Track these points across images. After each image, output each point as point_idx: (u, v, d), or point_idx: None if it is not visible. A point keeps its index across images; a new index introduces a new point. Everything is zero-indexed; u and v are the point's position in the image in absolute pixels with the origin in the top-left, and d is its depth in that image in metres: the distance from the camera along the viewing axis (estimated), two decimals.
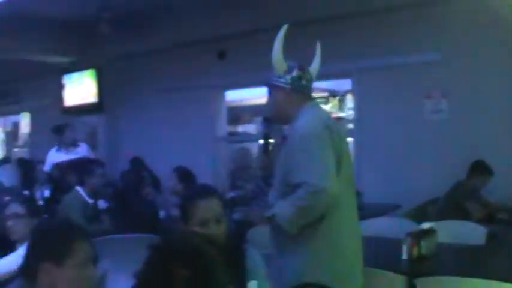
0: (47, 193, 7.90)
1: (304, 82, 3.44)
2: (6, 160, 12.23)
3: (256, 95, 9.66)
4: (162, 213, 6.22)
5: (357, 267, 3.33)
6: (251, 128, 10.58)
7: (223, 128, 9.68)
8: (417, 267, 3.82)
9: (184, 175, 6.30)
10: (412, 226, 4.85)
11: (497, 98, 6.85)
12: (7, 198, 6.39)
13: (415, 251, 3.94)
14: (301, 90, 3.43)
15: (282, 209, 3.17)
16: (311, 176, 3.06)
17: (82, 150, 8.51)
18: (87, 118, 10.98)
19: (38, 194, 8.00)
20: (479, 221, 5.43)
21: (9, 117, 15.41)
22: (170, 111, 9.65)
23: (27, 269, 2.21)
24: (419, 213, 6.49)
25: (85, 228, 4.65)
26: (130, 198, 5.76)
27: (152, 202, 6.18)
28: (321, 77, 8.17)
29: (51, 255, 2.17)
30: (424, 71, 7.17)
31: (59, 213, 5.96)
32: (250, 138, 9.97)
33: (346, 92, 10.10)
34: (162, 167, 7.85)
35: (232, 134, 10.15)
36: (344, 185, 3.20)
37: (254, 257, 2.90)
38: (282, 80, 3.43)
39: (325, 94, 10.76)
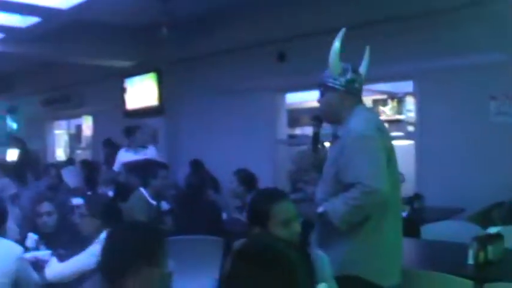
0: (110, 194, 8.05)
1: (356, 85, 3.56)
2: (69, 162, 12.51)
3: (316, 98, 9.63)
4: (223, 215, 6.27)
5: (396, 265, 3.43)
6: (310, 131, 10.54)
7: (284, 130, 9.68)
8: (484, 273, 3.76)
9: (246, 178, 6.34)
10: (476, 230, 4.78)
11: None
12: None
13: (481, 256, 3.88)
14: (353, 93, 3.55)
15: (334, 206, 3.29)
16: (365, 177, 3.19)
17: (150, 153, 8.63)
18: (148, 121, 11.13)
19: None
20: None
21: (72, 120, 15.76)
22: (230, 114, 9.70)
23: (113, 270, 2.23)
24: (484, 217, 6.35)
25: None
26: (194, 200, 5.81)
27: (214, 204, 6.23)
28: (381, 78, 8.21)
29: (144, 255, 2.23)
30: (489, 72, 6.99)
31: (123, 214, 6.06)
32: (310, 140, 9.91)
33: (406, 94, 9.99)
34: (222, 170, 7.94)
35: (291, 136, 10.14)
36: (392, 184, 3.31)
37: (322, 258, 2.92)
38: (337, 82, 3.53)
39: (384, 96, 10.66)
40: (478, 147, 7.12)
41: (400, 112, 10.39)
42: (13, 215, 5.22)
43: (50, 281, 3.76)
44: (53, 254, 3.98)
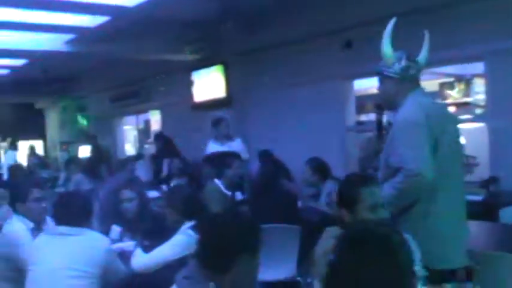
0: None
1: (412, 71, 3.68)
2: (139, 157, 12.76)
3: None
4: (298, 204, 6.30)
5: (456, 250, 3.47)
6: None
7: (352, 117, 9.62)
8: None
9: (318, 167, 6.36)
10: None
11: None
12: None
13: None
14: (409, 79, 3.67)
15: (384, 191, 3.35)
16: (408, 162, 3.36)
17: (236, 145, 8.77)
18: (215, 113, 11.25)
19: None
20: None
21: (140, 115, 16.04)
22: (297, 103, 9.71)
23: (220, 262, 2.30)
24: None
25: None
26: (269, 190, 5.86)
27: (290, 192, 6.27)
28: (451, 60, 8.04)
29: (249, 247, 2.33)
30: None
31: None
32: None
33: (473, 75, 9.78)
34: (291, 159, 7.96)
35: (359, 123, 10.07)
36: (443, 168, 3.41)
37: (411, 242, 2.93)
38: (391, 70, 3.67)
39: (451, 79, 10.46)
40: None
41: (467, 94, 10.17)
42: None
43: (136, 271, 3.86)
44: (137, 245, 4.09)
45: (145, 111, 15.25)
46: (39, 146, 18.97)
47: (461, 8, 7.26)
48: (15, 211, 4.36)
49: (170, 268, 3.76)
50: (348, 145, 9.26)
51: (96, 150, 15.18)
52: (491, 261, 3.65)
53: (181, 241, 3.88)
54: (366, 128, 9.64)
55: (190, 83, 11.53)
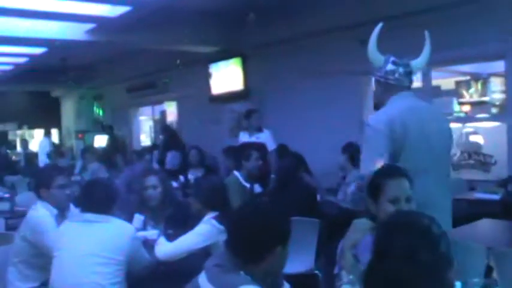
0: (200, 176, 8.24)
1: (397, 75, 3.81)
2: (154, 147, 12.82)
3: None
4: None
5: None
6: None
7: (369, 112, 9.60)
8: None
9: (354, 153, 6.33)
10: None
11: None
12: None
13: None
14: (393, 83, 3.82)
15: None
16: (361, 165, 3.68)
17: (265, 136, 8.82)
18: (233, 105, 11.28)
19: (191, 177, 8.38)
20: None
21: (156, 106, 16.09)
22: (315, 98, 9.70)
23: (254, 252, 2.35)
24: None
25: None
26: (289, 183, 5.88)
27: (309, 186, 6.29)
28: (470, 59, 8.01)
29: (283, 238, 2.40)
30: None
31: None
32: None
33: (490, 74, 9.73)
34: (308, 152, 7.96)
35: None
36: (419, 166, 3.50)
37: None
38: (378, 74, 3.87)
39: (467, 77, 10.41)
40: None
41: (484, 93, 10.12)
42: None
43: (160, 260, 3.90)
44: (161, 234, 4.12)
45: (162, 102, 15.29)
46: (54, 134, 19.06)
47: (481, 5, 7.24)
48: (39, 197, 4.41)
49: (193, 257, 3.82)
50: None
51: (112, 140, 15.27)
52: (509, 259, 3.66)
53: (205, 230, 3.92)
54: None
55: (208, 75, 11.56)
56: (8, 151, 17.31)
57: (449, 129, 3.99)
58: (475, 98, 10.07)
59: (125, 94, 15.84)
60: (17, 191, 8.61)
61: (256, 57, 10.59)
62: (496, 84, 9.41)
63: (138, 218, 4.56)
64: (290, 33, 9.80)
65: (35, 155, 15.26)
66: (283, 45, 10.10)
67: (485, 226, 5.28)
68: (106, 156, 11.48)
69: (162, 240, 4.01)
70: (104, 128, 16.42)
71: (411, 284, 1.78)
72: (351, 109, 9.23)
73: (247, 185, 6.25)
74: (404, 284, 1.79)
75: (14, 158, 16.68)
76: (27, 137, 18.89)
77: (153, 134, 16.87)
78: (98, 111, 18.23)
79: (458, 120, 8.98)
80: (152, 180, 4.83)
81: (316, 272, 5.32)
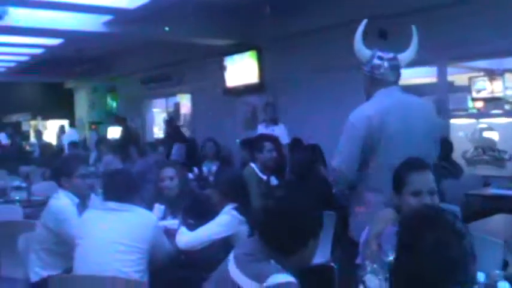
0: (214, 168, 8.29)
1: (382, 70, 3.97)
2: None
3: (417, 75, 9.55)
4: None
5: None
6: None
7: None
8: None
9: None
10: None
11: None
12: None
13: None
14: (378, 78, 3.98)
15: None
16: (335, 157, 4.03)
17: (279, 129, 8.96)
18: (248, 98, 11.32)
19: (205, 169, 8.43)
20: None
21: (170, 98, 16.15)
22: (330, 91, 9.71)
23: (288, 244, 2.40)
24: None
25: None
26: (306, 176, 5.91)
27: (326, 179, 6.30)
28: (484, 55, 8.02)
29: (316, 231, 2.47)
30: None
31: None
32: None
33: (504, 70, 9.72)
34: (323, 146, 7.99)
35: None
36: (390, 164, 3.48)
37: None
38: (365, 68, 4.07)
39: (481, 73, 10.40)
40: None
41: (498, 90, 10.11)
42: None
43: (181, 249, 3.95)
44: (181, 224, 4.17)
45: (175, 94, 15.35)
46: (67, 125, 19.17)
47: (497, 1, 7.23)
48: (60, 186, 4.48)
49: (213, 247, 3.87)
50: None
51: (125, 131, 15.35)
52: None
53: (226, 221, 3.97)
54: None
55: (222, 68, 11.59)
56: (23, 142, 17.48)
57: (437, 124, 4.19)
58: (489, 94, 10.08)
59: (138, 86, 15.90)
60: (32, 181, 8.68)
61: (271, 50, 10.61)
62: (511, 81, 9.41)
63: (159, 208, 4.61)
64: (306, 26, 9.80)
65: (49, 145, 15.33)
66: (299, 38, 10.10)
67: (500, 221, 5.30)
68: (119, 148, 11.54)
69: (183, 229, 4.05)
70: (117, 120, 16.51)
71: (439, 277, 1.82)
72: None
73: (264, 177, 6.27)
74: (433, 278, 1.83)
75: (27, 148, 16.78)
76: (40, 128, 19.00)
77: (166, 126, 16.92)
78: (112, 103, 18.31)
79: (471, 116, 8.99)
80: (169, 171, 4.88)
81: (332, 264, 5.35)
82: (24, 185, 7.96)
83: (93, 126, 18.19)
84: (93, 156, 11.64)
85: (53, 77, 18.54)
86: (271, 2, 9.54)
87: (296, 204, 2.46)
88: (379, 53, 4.03)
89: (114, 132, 16.27)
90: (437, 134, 4.16)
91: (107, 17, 9.73)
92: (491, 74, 10.17)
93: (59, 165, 4.81)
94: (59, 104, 20.68)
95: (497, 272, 2.75)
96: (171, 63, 13.90)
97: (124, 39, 12.46)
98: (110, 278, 3.42)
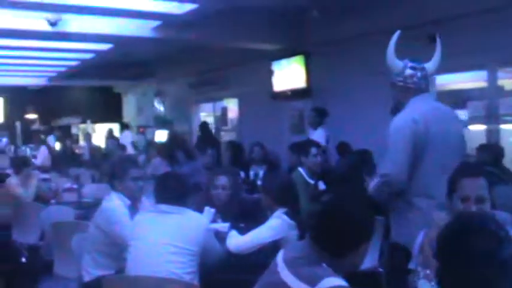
0: (261, 172, 8.33)
1: (415, 79, 4.14)
2: (216, 143, 12.96)
3: (467, 79, 9.46)
4: None
5: None
6: (462, 113, 10.27)
7: None
8: None
9: None
10: None
11: None
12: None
13: None
14: (412, 87, 4.13)
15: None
16: (386, 166, 3.98)
17: (317, 133, 9.17)
18: (295, 103, 11.33)
19: (251, 174, 8.47)
20: None
21: (218, 102, 16.26)
22: (378, 96, 9.62)
23: (342, 246, 2.42)
24: None
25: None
26: (349, 180, 5.90)
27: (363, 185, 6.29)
28: None
29: (368, 236, 2.48)
30: None
31: None
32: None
33: None
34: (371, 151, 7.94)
35: None
36: (435, 169, 3.83)
37: None
38: (398, 78, 4.21)
39: None
40: None
41: None
42: None
43: (231, 252, 3.99)
44: (232, 227, 4.21)
45: (223, 99, 15.44)
46: (116, 129, 19.46)
47: None
48: (113, 188, 4.57)
49: (263, 250, 3.90)
50: None
51: (172, 135, 15.51)
52: None
53: (277, 225, 4.00)
54: None
55: (269, 73, 11.62)
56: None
57: (463, 130, 4.32)
58: None
59: (186, 90, 16.03)
60: (82, 183, 8.85)
61: (319, 55, 10.59)
62: None
63: (209, 211, 4.66)
64: (354, 31, 9.76)
65: (98, 148, 15.61)
66: (346, 43, 10.06)
67: None
68: (166, 152, 11.67)
69: (233, 233, 4.10)
70: (164, 124, 16.68)
71: (491, 284, 1.84)
72: None
73: (312, 182, 6.30)
74: (485, 285, 1.84)
75: (77, 151, 17.09)
76: (89, 131, 19.32)
77: (214, 130, 17.03)
78: (159, 107, 18.52)
79: None
80: (222, 180, 4.93)
81: (380, 270, 5.33)
82: (75, 186, 8.11)
83: (141, 130, 18.41)
84: (141, 159, 11.79)
85: (102, 81, 18.86)
86: (319, 7, 9.54)
87: (350, 208, 2.47)
88: (411, 64, 4.21)
89: (161, 135, 16.45)
90: (465, 142, 4.28)
91: (155, 23, 9.85)
92: None
93: (111, 167, 4.90)
94: (108, 108, 21.02)
95: None
96: (218, 67, 13.99)
97: (172, 44, 12.58)
98: (162, 279, 3.49)
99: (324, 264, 2.36)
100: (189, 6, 8.76)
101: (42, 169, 10.85)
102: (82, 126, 21.33)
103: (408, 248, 3.34)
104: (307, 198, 6.00)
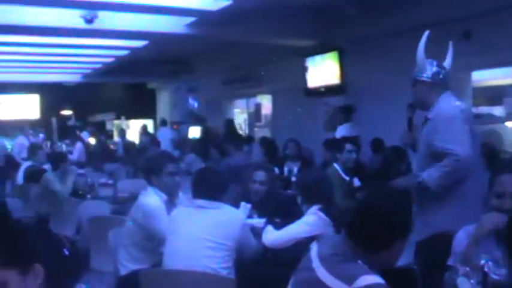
0: (295, 168, 8.34)
1: (441, 76, 4.31)
2: (250, 139, 13.00)
3: (498, 76, 9.37)
4: None
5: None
6: (498, 109, 10.17)
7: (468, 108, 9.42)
8: None
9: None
10: None
11: None
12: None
13: None
14: (439, 83, 4.30)
15: (430, 174, 4.05)
16: (456, 147, 3.94)
17: (339, 130, 9.42)
18: (329, 99, 11.30)
19: (286, 170, 8.48)
20: None
21: (251, 99, 16.28)
22: (411, 94, 9.59)
23: (378, 242, 2.40)
24: None
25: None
26: (387, 176, 5.87)
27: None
28: None
29: (406, 232, 2.45)
30: None
31: None
32: (498, 120, 9.63)
33: None
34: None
35: (477, 116, 9.85)
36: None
37: None
38: (425, 75, 4.35)
39: None
40: None
41: None
42: None
43: (267, 247, 4.01)
44: (268, 222, 4.23)
45: (256, 95, 15.44)
46: (150, 125, 19.61)
47: None
48: (150, 183, 4.61)
49: (298, 246, 3.90)
50: None
51: (205, 131, 15.57)
52: None
53: (313, 221, 4.00)
54: (484, 120, 9.42)
55: (303, 69, 11.60)
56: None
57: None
58: None
59: (219, 86, 16.07)
60: (117, 178, 8.95)
61: (353, 52, 10.54)
62: None
63: (245, 206, 4.68)
64: (388, 27, 9.69)
65: (133, 144, 15.77)
66: (381, 39, 10.00)
67: None
68: (199, 148, 11.74)
69: (269, 228, 4.12)
70: (197, 120, 16.76)
71: None
72: None
73: (347, 178, 6.29)
74: None
75: (111, 146, 17.25)
76: (124, 127, 19.49)
77: (247, 126, 17.06)
78: (193, 103, 18.60)
79: None
80: (261, 175, 4.96)
81: (415, 267, 5.29)
82: (110, 181, 8.20)
83: (175, 126, 18.50)
84: (176, 155, 11.86)
85: (137, 77, 18.99)
86: (354, 3, 9.49)
87: (384, 205, 2.44)
88: (436, 62, 4.40)
89: (194, 131, 16.53)
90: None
91: (189, 19, 9.89)
92: None
93: (148, 162, 4.95)
94: (142, 104, 21.17)
95: None
96: (252, 63, 14.00)
97: (206, 41, 12.63)
98: (199, 273, 3.52)
99: (360, 261, 2.34)
100: (223, 3, 8.78)
101: (78, 165, 10.98)
102: (116, 122, 21.52)
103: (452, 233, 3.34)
104: (343, 194, 6.00)
